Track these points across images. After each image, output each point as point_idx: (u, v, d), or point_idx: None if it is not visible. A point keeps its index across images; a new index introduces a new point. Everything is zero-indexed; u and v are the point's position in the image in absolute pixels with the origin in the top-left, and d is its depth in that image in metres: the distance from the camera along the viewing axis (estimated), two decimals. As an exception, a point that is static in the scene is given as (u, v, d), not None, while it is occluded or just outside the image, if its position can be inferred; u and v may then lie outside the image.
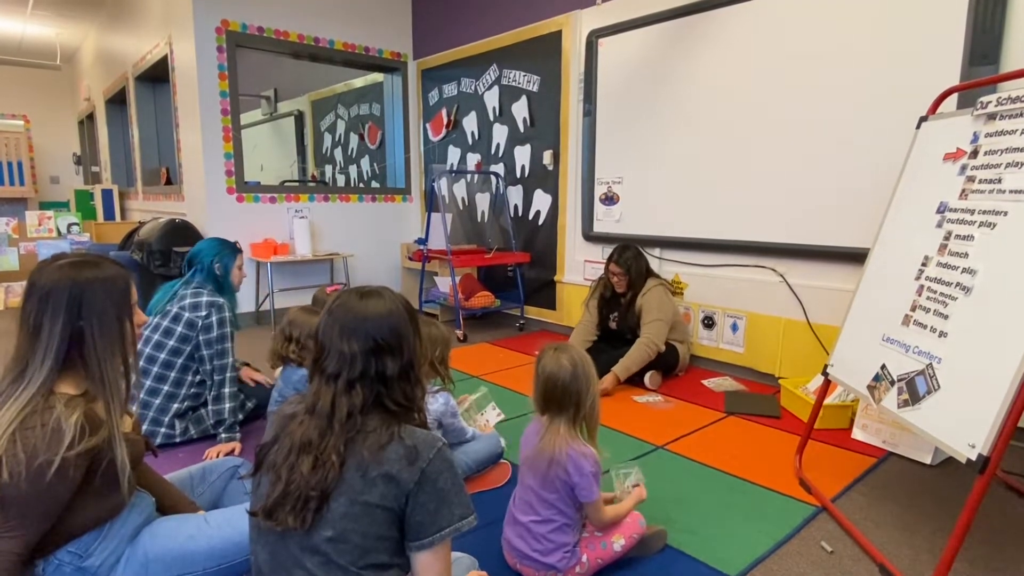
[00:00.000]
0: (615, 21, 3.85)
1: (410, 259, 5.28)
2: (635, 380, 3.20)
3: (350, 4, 5.21)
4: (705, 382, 3.34)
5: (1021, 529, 1.88)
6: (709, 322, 3.57)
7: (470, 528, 1.10)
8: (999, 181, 1.65)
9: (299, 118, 7.75)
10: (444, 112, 5.38)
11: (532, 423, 1.66)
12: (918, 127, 2.14)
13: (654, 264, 3.68)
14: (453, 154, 5.36)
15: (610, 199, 4.06)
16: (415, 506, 1.05)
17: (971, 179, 1.77)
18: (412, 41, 5.66)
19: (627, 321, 3.33)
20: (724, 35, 3.35)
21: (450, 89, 5.28)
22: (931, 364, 1.67)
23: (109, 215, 6.85)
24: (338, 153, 7.26)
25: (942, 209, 1.85)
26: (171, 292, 2.46)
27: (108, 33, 7.13)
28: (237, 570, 1.41)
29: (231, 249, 2.58)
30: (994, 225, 1.62)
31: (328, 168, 7.47)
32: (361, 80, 6.53)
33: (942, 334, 1.67)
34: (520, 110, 4.63)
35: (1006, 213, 1.60)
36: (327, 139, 7.43)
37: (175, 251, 4.38)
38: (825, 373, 2.20)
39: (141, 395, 2.34)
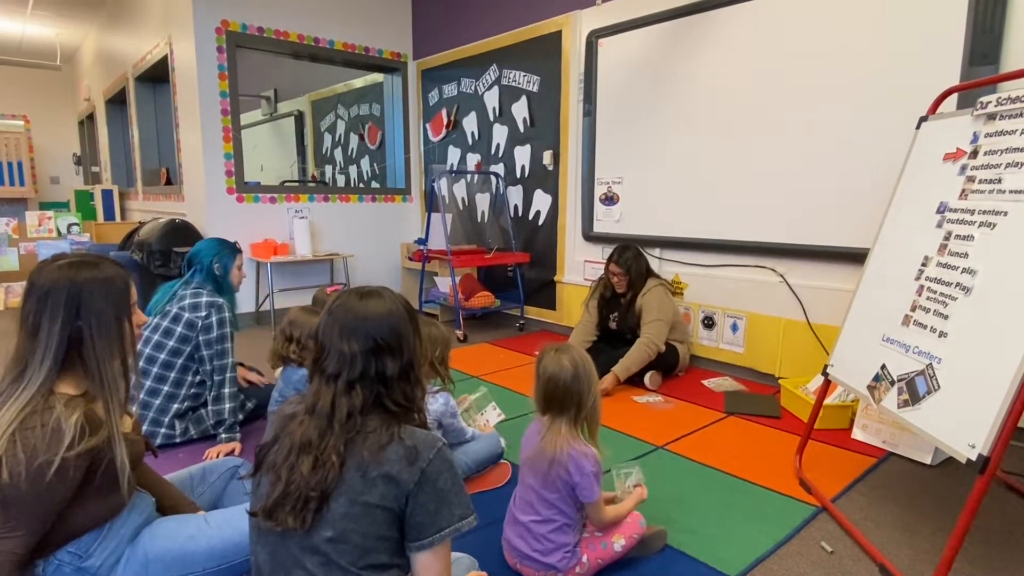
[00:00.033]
0: (615, 21, 3.85)
1: (410, 259, 5.28)
2: (635, 380, 3.20)
3: (350, 4, 5.21)
4: (705, 382, 3.34)
5: (1021, 529, 1.88)
6: (709, 322, 3.57)
7: (470, 528, 1.10)
8: (999, 181, 1.65)
9: (299, 118, 7.75)
10: (444, 112, 5.38)
11: (533, 423, 1.66)
12: (918, 127, 2.14)
13: (654, 264, 3.68)
14: (453, 154, 5.36)
15: (610, 199, 4.06)
16: (415, 506, 1.05)
17: (971, 179, 1.77)
18: (412, 41, 5.66)
19: (627, 321, 3.33)
20: (724, 35, 3.35)
21: (450, 89, 5.28)
22: (931, 364, 1.67)
23: (109, 215, 6.85)
24: (338, 153, 7.26)
25: (942, 209, 1.85)
26: (170, 292, 2.46)
27: (108, 33, 7.13)
28: (237, 570, 1.41)
29: (231, 249, 2.58)
30: (994, 225, 1.62)
31: (328, 168, 7.47)
32: (361, 80, 6.53)
33: (942, 334, 1.67)
34: (520, 110, 4.63)
35: (1006, 213, 1.60)
36: (327, 139, 7.43)
37: (175, 251, 4.38)
38: (825, 373, 2.20)
39: (141, 395, 2.34)
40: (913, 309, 1.82)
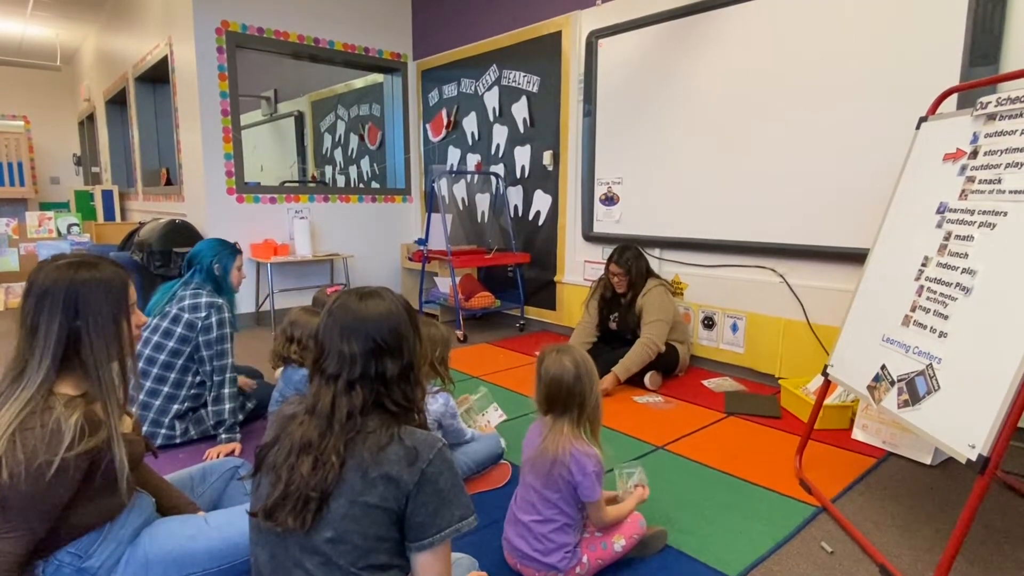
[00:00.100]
0: (615, 22, 3.85)
1: (410, 259, 5.28)
2: (635, 380, 3.20)
3: (350, 4, 5.21)
4: (705, 382, 3.34)
5: (1021, 529, 1.88)
6: (709, 322, 3.57)
7: (470, 529, 1.10)
8: (999, 181, 1.66)
9: (299, 119, 7.75)
10: (444, 113, 5.38)
11: (535, 423, 1.66)
12: (918, 127, 2.14)
13: (654, 264, 3.68)
14: (453, 155, 5.36)
15: (610, 199, 4.06)
16: (415, 507, 1.05)
17: (971, 179, 1.77)
18: (412, 42, 5.66)
19: (627, 321, 3.33)
20: (724, 35, 3.35)
21: (450, 90, 5.28)
22: (931, 364, 1.67)
23: (109, 216, 6.86)
24: (338, 154, 7.26)
25: (942, 209, 1.85)
26: (170, 293, 2.46)
27: (108, 34, 7.14)
28: (237, 571, 1.41)
29: (231, 250, 2.58)
30: (994, 225, 1.63)
31: (328, 169, 7.47)
32: (361, 81, 6.53)
33: (942, 334, 1.67)
34: (520, 111, 4.63)
35: (1006, 213, 1.60)
36: (327, 140, 7.43)
37: (175, 252, 4.38)
38: (825, 373, 2.20)
39: (141, 396, 2.34)
40: (913, 309, 1.83)
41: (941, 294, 1.72)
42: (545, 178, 4.51)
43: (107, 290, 1.27)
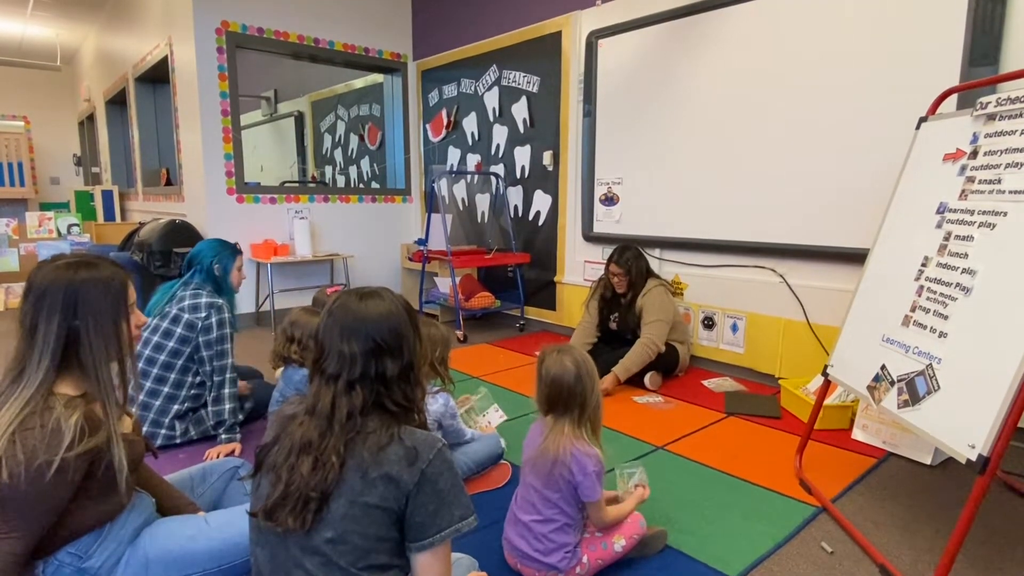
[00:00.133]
0: (615, 22, 3.85)
1: (410, 260, 5.28)
2: (635, 381, 3.20)
3: (350, 5, 5.21)
4: (705, 383, 3.34)
5: (1021, 529, 1.88)
6: (709, 322, 3.57)
7: (470, 529, 1.10)
8: (999, 182, 1.66)
9: (299, 119, 7.75)
10: (444, 113, 5.38)
11: (536, 423, 1.66)
12: (918, 127, 2.14)
13: (654, 264, 3.68)
14: (453, 155, 5.36)
15: (610, 200, 4.06)
16: (415, 507, 1.05)
17: (971, 179, 1.77)
18: (412, 42, 5.66)
19: (627, 322, 3.33)
20: (724, 35, 3.35)
21: (450, 90, 5.28)
22: (931, 364, 1.67)
23: (109, 216, 6.86)
24: (338, 154, 7.26)
25: (942, 209, 1.85)
26: (170, 293, 2.46)
27: (108, 34, 7.14)
28: (237, 571, 1.41)
29: (231, 250, 2.58)
30: (994, 226, 1.63)
31: (328, 169, 7.47)
32: (361, 81, 6.53)
33: (942, 334, 1.67)
34: (520, 111, 4.63)
35: (1006, 214, 1.60)
36: (327, 140, 7.43)
37: (175, 252, 4.38)
38: (825, 373, 2.20)
39: (141, 396, 2.34)
40: (913, 309, 1.83)
41: (941, 294, 1.72)
42: (545, 178, 4.51)
43: (106, 290, 1.27)
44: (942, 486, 2.16)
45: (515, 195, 4.78)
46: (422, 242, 4.80)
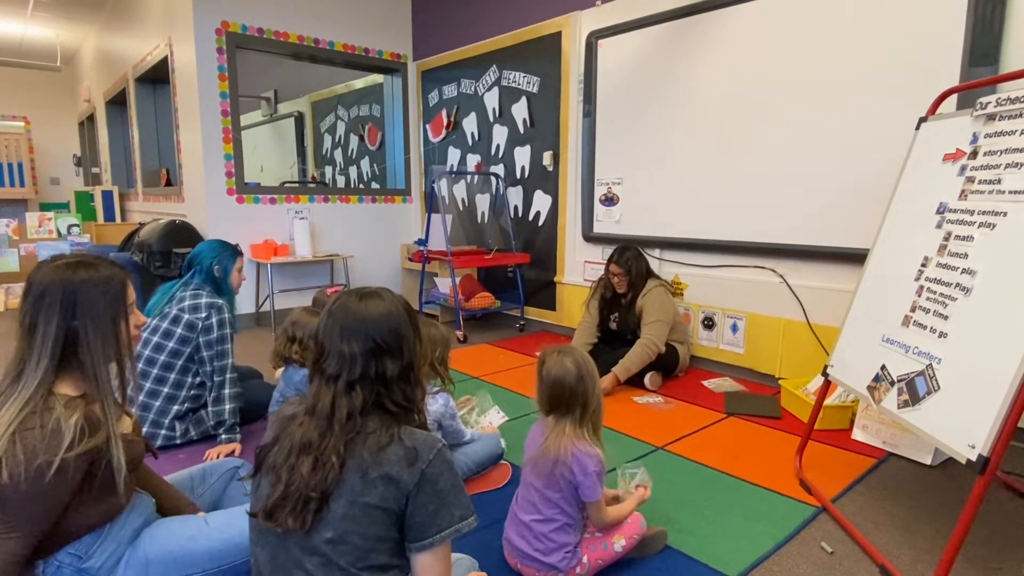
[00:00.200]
0: (615, 22, 3.85)
1: (410, 260, 5.28)
2: (635, 381, 3.20)
3: (350, 5, 5.21)
4: (705, 383, 3.34)
5: (1021, 529, 1.88)
6: (709, 323, 3.57)
7: (470, 529, 1.10)
8: (999, 182, 1.66)
9: (299, 119, 7.76)
10: (444, 113, 5.38)
11: (537, 423, 1.66)
12: (918, 128, 2.14)
13: (654, 265, 3.68)
14: (453, 155, 5.36)
15: (610, 200, 4.06)
16: (415, 507, 1.05)
17: (971, 180, 1.77)
18: (412, 42, 5.66)
19: (627, 322, 3.33)
20: (724, 36, 3.35)
21: (450, 90, 5.28)
22: (931, 364, 1.67)
23: (109, 216, 6.86)
24: (338, 154, 7.26)
25: (942, 210, 1.85)
26: (169, 294, 2.46)
27: (108, 34, 7.14)
28: (237, 571, 1.41)
29: (231, 252, 2.58)
30: (994, 226, 1.63)
31: (328, 169, 7.48)
32: (361, 81, 6.53)
33: (942, 335, 1.67)
34: (520, 111, 4.63)
35: (1006, 214, 1.60)
36: (327, 140, 7.43)
37: (175, 252, 4.38)
38: (825, 374, 2.20)
39: (141, 397, 2.34)
40: (913, 309, 1.83)
41: (941, 294, 1.73)
42: (545, 178, 4.51)
43: (105, 290, 1.27)
44: (942, 486, 2.16)
45: (515, 195, 4.78)
46: (422, 242, 4.81)
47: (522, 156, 4.67)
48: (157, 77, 5.84)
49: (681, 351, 3.40)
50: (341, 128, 7.11)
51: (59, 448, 1.12)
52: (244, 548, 1.36)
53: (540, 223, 4.61)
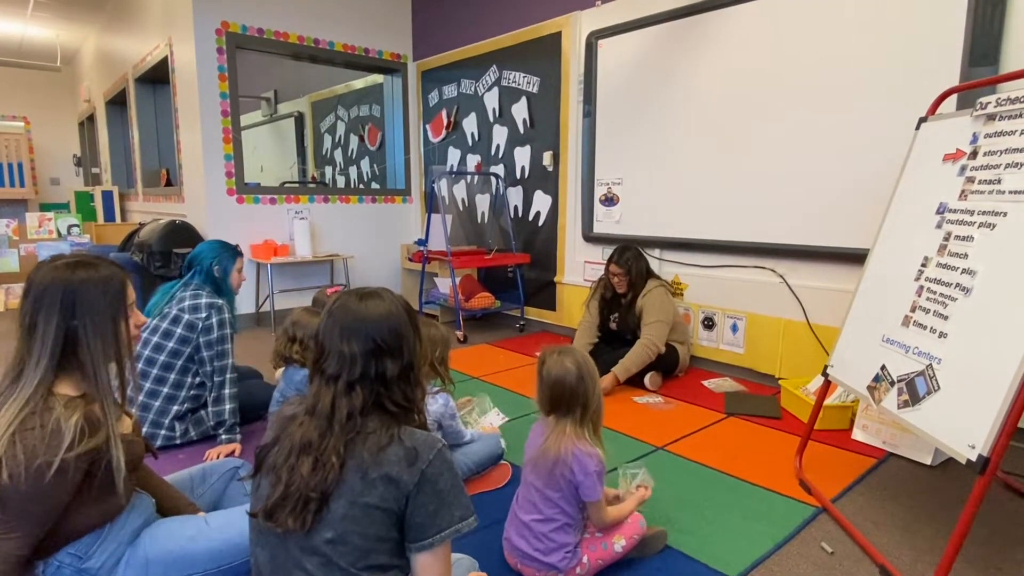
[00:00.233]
0: (615, 22, 3.85)
1: (410, 260, 5.28)
2: (635, 381, 3.20)
3: (350, 5, 5.21)
4: (705, 383, 3.34)
5: (1021, 529, 1.88)
6: (709, 323, 3.57)
7: (470, 530, 1.10)
8: (999, 182, 1.66)
9: (299, 119, 7.76)
10: (444, 113, 5.38)
11: (537, 423, 1.67)
12: (918, 128, 2.14)
13: (654, 265, 3.68)
14: (453, 155, 5.36)
15: (610, 200, 4.06)
16: (415, 507, 1.05)
17: (971, 180, 1.77)
18: (412, 42, 5.66)
19: (627, 322, 3.33)
20: (724, 36, 3.35)
21: (450, 90, 5.28)
22: (931, 365, 1.67)
23: (109, 216, 6.86)
24: (338, 154, 7.26)
25: (942, 210, 1.85)
26: (169, 294, 2.46)
27: (108, 35, 7.14)
28: (237, 571, 1.41)
29: (231, 252, 2.58)
30: (994, 226, 1.63)
31: (328, 169, 7.48)
32: (361, 81, 6.53)
33: (942, 335, 1.67)
34: (520, 111, 4.63)
35: (1006, 214, 1.60)
36: (327, 140, 7.43)
37: (175, 252, 4.38)
38: (825, 374, 2.20)
39: (141, 397, 2.34)
40: (913, 310, 1.83)
41: (941, 294, 1.72)
42: (545, 179, 4.51)
43: (104, 290, 1.27)
44: (942, 486, 2.16)
45: (515, 195, 4.78)
46: (422, 242, 4.81)
47: (522, 156, 4.67)
48: (157, 77, 5.84)
49: (681, 351, 3.40)
50: (341, 128, 7.11)
51: (59, 448, 1.12)
52: (244, 548, 1.36)
53: (540, 223, 4.61)
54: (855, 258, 2.81)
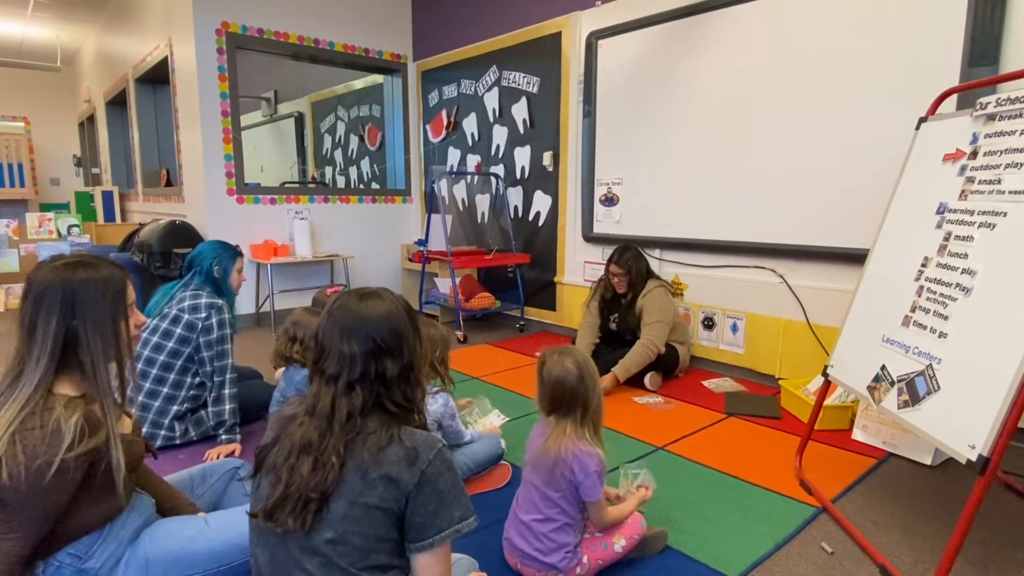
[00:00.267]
0: (615, 22, 3.85)
1: (410, 260, 5.28)
2: (635, 381, 3.20)
3: (350, 5, 5.22)
4: (705, 383, 3.34)
5: (1021, 529, 1.88)
6: (709, 323, 3.57)
7: (470, 530, 1.10)
8: (998, 182, 1.66)
9: (299, 120, 7.76)
10: (444, 113, 5.38)
11: (538, 424, 1.67)
12: (918, 128, 2.14)
13: (654, 265, 3.68)
14: (453, 155, 5.36)
15: (610, 200, 4.06)
16: (415, 507, 1.05)
17: (971, 180, 1.77)
18: (412, 42, 5.66)
19: (627, 322, 3.33)
20: (724, 36, 3.35)
21: (450, 90, 5.29)
22: (931, 365, 1.67)
23: (109, 217, 6.86)
24: (338, 154, 7.26)
25: (942, 210, 1.85)
26: (169, 294, 2.46)
27: (108, 35, 7.14)
28: (237, 572, 1.41)
29: (231, 253, 2.58)
30: (994, 226, 1.63)
31: (328, 169, 7.48)
32: (361, 81, 6.54)
33: (942, 335, 1.67)
34: (520, 111, 4.63)
35: (1005, 214, 1.60)
36: (327, 140, 7.43)
37: (175, 253, 4.38)
38: (825, 374, 2.20)
39: (140, 397, 2.34)
40: (913, 310, 1.83)
41: (941, 294, 1.72)
42: (545, 179, 4.51)
43: (104, 290, 1.27)
44: (942, 486, 2.16)
45: (515, 196, 4.78)
46: (422, 243, 4.81)
47: (522, 156, 4.67)
48: (157, 77, 5.84)
49: (681, 351, 3.40)
50: (341, 128, 7.11)
51: (59, 448, 1.12)
52: (244, 548, 1.36)
53: (540, 223, 4.61)
54: (855, 258, 2.81)
